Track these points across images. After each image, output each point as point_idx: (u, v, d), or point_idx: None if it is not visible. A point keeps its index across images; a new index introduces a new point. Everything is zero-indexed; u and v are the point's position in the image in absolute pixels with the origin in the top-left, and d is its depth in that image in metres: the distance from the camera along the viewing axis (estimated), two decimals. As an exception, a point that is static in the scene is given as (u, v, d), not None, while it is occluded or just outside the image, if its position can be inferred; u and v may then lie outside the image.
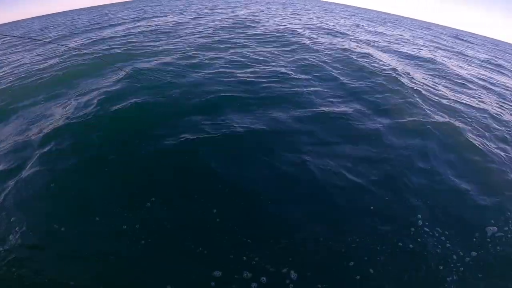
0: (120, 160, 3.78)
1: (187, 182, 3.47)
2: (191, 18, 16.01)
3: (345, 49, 9.49)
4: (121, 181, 3.49)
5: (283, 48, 9.09)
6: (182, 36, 10.74)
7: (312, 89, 6.08)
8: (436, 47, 15.80)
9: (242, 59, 7.65)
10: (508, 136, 5.47)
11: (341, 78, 6.84)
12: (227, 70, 6.77)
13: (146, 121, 4.60)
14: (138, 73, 6.45)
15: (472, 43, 26.02)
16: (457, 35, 33.51)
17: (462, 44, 22.04)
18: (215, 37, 10.39)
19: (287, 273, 2.56)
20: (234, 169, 3.68)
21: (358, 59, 8.38)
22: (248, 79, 6.29)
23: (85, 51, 8.73)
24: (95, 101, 5.16)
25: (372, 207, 3.30)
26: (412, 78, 7.68)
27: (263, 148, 4.07)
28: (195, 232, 2.85)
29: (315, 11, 26.42)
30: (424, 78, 8.14)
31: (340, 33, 13.68)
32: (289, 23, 15.00)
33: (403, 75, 7.55)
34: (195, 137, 4.16)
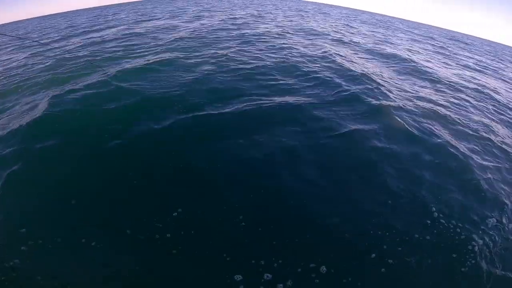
0: (129, 166, 3.81)
1: (199, 185, 3.53)
2: (186, 21, 16.39)
3: (328, 50, 9.85)
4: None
5: (270, 49, 9.44)
6: (174, 39, 11.10)
7: (296, 86, 6.52)
8: (423, 48, 16.17)
9: (232, 59, 8.01)
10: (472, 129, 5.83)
11: (320, 76, 7.18)
12: (217, 69, 7.15)
13: (139, 120, 4.77)
14: (125, 75, 6.78)
15: (466, 44, 26.39)
16: (452, 36, 33.91)
17: (452, 45, 22.39)
18: (206, 39, 10.79)
19: (311, 269, 2.64)
20: (237, 169, 3.82)
21: (338, 59, 8.75)
22: (235, 78, 6.68)
23: (79, 54, 9.15)
24: (85, 102, 5.43)
25: (382, 198, 3.52)
26: (385, 77, 8.05)
27: (264, 148, 4.22)
28: (214, 237, 2.92)
29: (311, 14, 26.79)
30: (399, 78, 8.49)
31: (328, 34, 14.06)
32: (280, 26, 15.39)
33: (377, 76, 7.91)
34: (201, 137, 4.36)
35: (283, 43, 10.38)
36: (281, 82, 6.63)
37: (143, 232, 2.91)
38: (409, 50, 13.90)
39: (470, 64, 14.43)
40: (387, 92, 6.64)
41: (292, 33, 13.03)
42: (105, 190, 3.44)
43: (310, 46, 10.57)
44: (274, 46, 9.94)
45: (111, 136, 4.34)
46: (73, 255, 2.72)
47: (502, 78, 12.62)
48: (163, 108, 5.18)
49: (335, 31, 15.86)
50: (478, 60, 16.93)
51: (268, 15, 20.61)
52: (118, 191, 3.43)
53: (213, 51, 8.87)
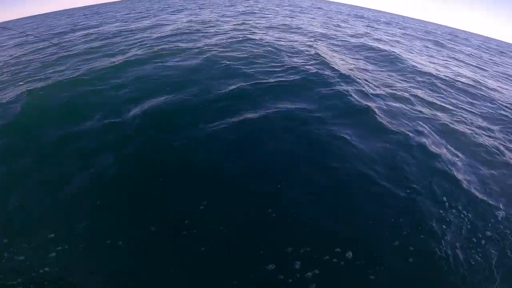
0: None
1: (219, 179, 3.60)
2: (178, 18, 16.54)
3: (310, 45, 10.00)
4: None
5: (258, 44, 9.61)
6: (167, 34, 11.31)
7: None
8: (413, 42, 16.30)
9: (219, 53, 8.20)
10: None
11: (301, 69, 7.39)
12: (205, 62, 7.38)
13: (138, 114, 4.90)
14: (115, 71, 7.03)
15: (463, 38, 26.40)
16: (450, 33, 33.83)
17: (446, 40, 22.47)
18: (195, 35, 11.00)
19: (337, 255, 2.75)
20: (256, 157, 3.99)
21: (324, 55, 8.95)
22: (219, 70, 6.94)
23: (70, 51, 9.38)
24: (82, 98, 5.68)
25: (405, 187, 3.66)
26: (362, 69, 8.25)
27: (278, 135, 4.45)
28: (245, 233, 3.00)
29: (306, 10, 26.84)
30: (378, 69, 8.68)
31: (318, 30, 14.22)
32: (271, 22, 15.53)
33: (356, 69, 8.10)
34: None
35: (272, 39, 10.57)
36: (268, 71, 6.89)
37: (170, 229, 2.94)
38: (402, 45, 14.06)
39: (458, 57, 14.60)
40: (361, 83, 6.84)
41: (280, 29, 13.20)
42: (123, 188, 3.47)
43: (297, 41, 10.75)
44: (261, 42, 10.08)
45: (108, 133, 4.44)
46: (103, 257, 2.75)
47: (489, 70, 12.78)
48: (158, 101, 5.34)
49: (327, 27, 16.00)
50: (467, 54, 17.07)
51: (260, 12, 20.72)
52: (137, 188, 3.45)
53: (202, 44, 9.10)
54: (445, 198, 3.61)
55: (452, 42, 22.36)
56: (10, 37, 16.90)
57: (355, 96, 5.89)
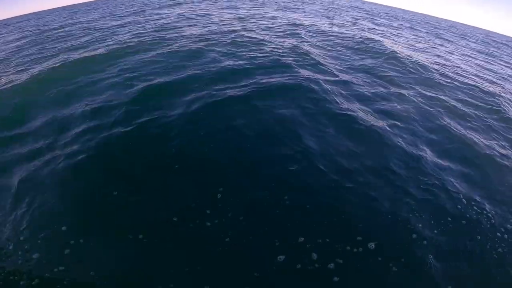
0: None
1: (231, 170, 3.51)
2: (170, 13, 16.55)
3: (298, 36, 10.10)
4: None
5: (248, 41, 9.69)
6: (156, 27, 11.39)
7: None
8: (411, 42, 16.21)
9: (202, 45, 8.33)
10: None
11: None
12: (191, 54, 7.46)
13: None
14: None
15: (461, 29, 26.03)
16: (451, 26, 33.26)
17: (444, 32, 22.28)
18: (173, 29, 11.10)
19: (360, 246, 2.68)
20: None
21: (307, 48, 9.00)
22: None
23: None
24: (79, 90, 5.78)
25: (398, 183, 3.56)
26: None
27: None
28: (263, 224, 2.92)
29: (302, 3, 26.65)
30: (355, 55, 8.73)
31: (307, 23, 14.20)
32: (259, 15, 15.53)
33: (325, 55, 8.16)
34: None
35: (264, 30, 10.65)
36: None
37: (190, 220, 2.91)
38: (398, 37, 14.02)
39: (457, 48, 14.53)
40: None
41: (274, 21, 13.23)
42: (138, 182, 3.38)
43: (288, 32, 10.79)
44: (251, 34, 10.14)
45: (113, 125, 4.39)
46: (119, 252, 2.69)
47: (486, 62, 12.71)
48: (150, 90, 5.42)
49: (321, 18, 15.98)
50: (466, 46, 16.95)
51: (258, 3, 20.67)
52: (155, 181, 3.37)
53: (193, 35, 9.23)
54: (461, 194, 3.53)
55: (450, 33, 22.15)
56: (9, 34, 17.13)
57: (341, 90, 5.88)
